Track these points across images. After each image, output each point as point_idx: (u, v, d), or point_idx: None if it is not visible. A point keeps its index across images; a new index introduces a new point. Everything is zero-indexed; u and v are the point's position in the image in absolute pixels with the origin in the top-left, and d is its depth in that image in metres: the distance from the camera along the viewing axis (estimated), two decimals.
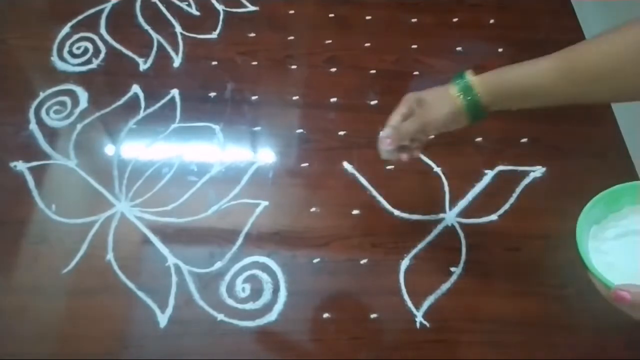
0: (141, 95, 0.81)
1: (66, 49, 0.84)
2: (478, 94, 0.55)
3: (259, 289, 0.67)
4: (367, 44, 0.89)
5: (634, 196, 0.47)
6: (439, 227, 0.73)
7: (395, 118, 0.58)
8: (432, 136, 0.63)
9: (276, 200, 0.74)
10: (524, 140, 0.81)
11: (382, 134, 0.57)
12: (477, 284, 0.70)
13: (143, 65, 0.84)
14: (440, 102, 0.58)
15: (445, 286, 0.69)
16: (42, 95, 0.79)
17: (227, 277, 0.68)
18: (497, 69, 0.56)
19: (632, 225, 0.46)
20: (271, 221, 0.72)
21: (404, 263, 0.70)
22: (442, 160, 0.79)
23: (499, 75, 0.55)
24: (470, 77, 0.56)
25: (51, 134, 0.76)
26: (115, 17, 0.88)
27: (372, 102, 0.83)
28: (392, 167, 0.77)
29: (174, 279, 0.67)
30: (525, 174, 0.78)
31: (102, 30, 0.86)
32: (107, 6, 0.89)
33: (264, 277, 0.68)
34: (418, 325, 0.67)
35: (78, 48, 0.84)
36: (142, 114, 0.79)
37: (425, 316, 0.67)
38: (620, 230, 0.47)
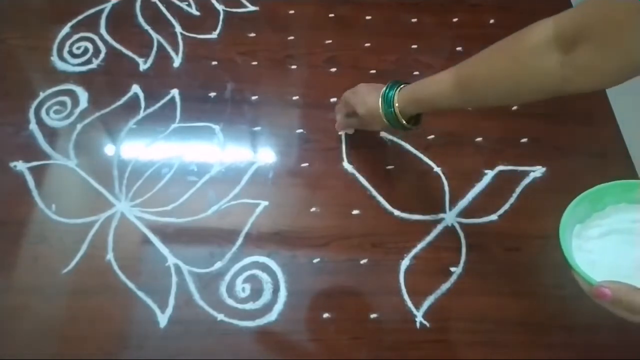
0: (141, 95, 0.81)
1: (66, 49, 0.84)
2: (395, 106, 0.64)
3: (259, 289, 0.67)
4: (367, 44, 0.89)
5: (617, 195, 0.47)
6: (439, 227, 0.73)
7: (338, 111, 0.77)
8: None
9: (276, 200, 0.74)
10: (524, 140, 0.81)
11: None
12: (477, 284, 0.70)
13: (143, 65, 0.84)
14: (370, 96, 0.68)
15: (445, 286, 0.69)
16: (42, 95, 0.79)
17: (227, 277, 0.68)
18: (415, 82, 0.64)
19: (615, 224, 0.47)
20: (271, 221, 0.72)
21: (404, 263, 0.70)
22: (442, 160, 0.79)
23: (413, 87, 0.64)
24: (396, 94, 0.64)
25: (51, 134, 0.76)
26: (115, 17, 0.88)
27: None
28: (392, 166, 0.77)
29: (174, 279, 0.67)
30: (525, 174, 0.78)
31: (102, 30, 0.86)
32: (107, 6, 0.89)
33: (264, 277, 0.68)
34: (418, 325, 0.67)
35: (78, 48, 0.84)
36: (142, 114, 0.79)
37: (425, 316, 0.67)
38: (604, 229, 0.47)
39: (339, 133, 0.79)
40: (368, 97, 0.68)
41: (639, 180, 0.47)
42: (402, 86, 0.65)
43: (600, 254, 0.46)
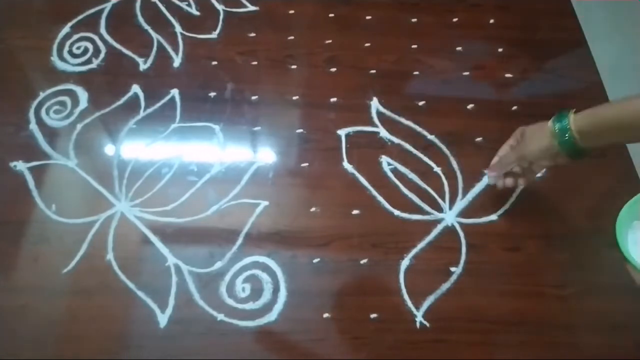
0: (141, 95, 0.81)
1: (66, 48, 0.84)
2: (573, 135, 0.59)
3: (259, 289, 0.67)
4: (367, 44, 0.89)
5: None
6: (439, 227, 0.73)
7: (503, 148, 0.70)
8: (541, 171, 0.70)
9: (276, 200, 0.74)
10: None
11: (491, 163, 0.71)
12: (477, 284, 0.70)
13: (143, 65, 0.84)
14: (538, 136, 0.63)
15: (445, 286, 0.69)
16: (42, 95, 0.79)
17: (227, 277, 0.68)
18: (593, 107, 0.60)
19: None
20: (271, 221, 0.72)
21: (404, 263, 0.70)
22: (442, 160, 0.79)
23: (594, 112, 0.58)
24: (571, 117, 0.60)
25: (51, 134, 0.76)
26: (115, 17, 0.88)
27: (372, 102, 0.83)
28: (392, 166, 0.77)
29: (174, 279, 0.67)
30: None
31: (102, 30, 0.86)
32: (107, 6, 0.89)
33: (264, 277, 0.68)
34: (418, 325, 0.67)
35: (78, 48, 0.84)
36: (142, 114, 0.79)
37: (425, 316, 0.67)
38: None
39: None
40: (537, 139, 0.63)
41: None
42: (573, 114, 0.60)
43: None
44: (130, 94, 0.81)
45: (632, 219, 0.49)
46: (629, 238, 0.49)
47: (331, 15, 0.92)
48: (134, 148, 0.76)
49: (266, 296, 0.67)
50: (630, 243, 0.48)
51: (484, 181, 0.77)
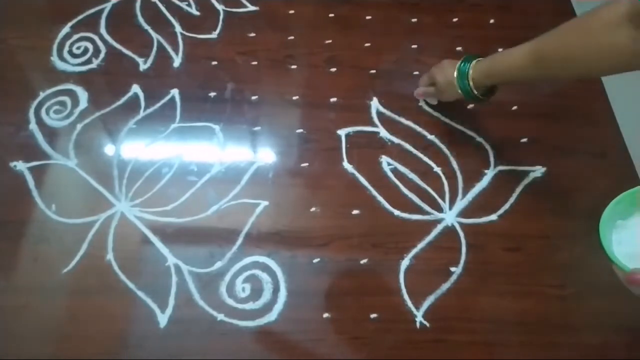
0: (141, 95, 0.81)
1: (66, 48, 0.84)
2: (470, 78, 0.70)
3: (259, 289, 0.67)
4: (367, 44, 0.89)
5: None
6: (439, 227, 0.73)
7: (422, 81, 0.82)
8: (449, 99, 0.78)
9: (276, 200, 0.74)
10: (524, 140, 0.81)
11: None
12: (477, 284, 0.70)
13: (143, 65, 0.83)
14: (447, 71, 0.74)
15: (445, 286, 0.69)
16: (42, 95, 0.79)
17: (227, 277, 0.68)
18: (491, 55, 0.70)
19: None
20: (271, 221, 0.72)
21: (404, 263, 0.70)
22: (442, 160, 0.79)
23: (488, 61, 0.69)
24: (471, 64, 0.70)
25: (51, 134, 0.76)
26: (115, 17, 0.88)
27: (372, 102, 0.83)
28: (392, 166, 0.77)
29: (174, 279, 0.67)
30: (525, 174, 0.78)
31: (102, 30, 0.86)
32: (107, 6, 0.88)
33: (264, 277, 0.68)
34: (418, 325, 0.67)
35: (78, 48, 0.84)
36: (142, 114, 0.79)
37: (425, 316, 0.67)
38: None
39: (418, 102, 0.83)
40: (447, 69, 0.73)
41: None
42: (478, 59, 0.70)
43: (639, 247, 0.47)
44: (130, 94, 0.81)
45: (615, 219, 0.49)
46: (613, 238, 0.49)
47: (331, 15, 0.92)
48: (134, 148, 0.76)
49: (266, 296, 0.67)
50: (615, 243, 0.48)
51: (484, 181, 0.77)
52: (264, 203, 0.73)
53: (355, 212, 0.74)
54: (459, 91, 0.72)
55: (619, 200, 0.49)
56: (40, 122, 0.77)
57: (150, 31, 0.87)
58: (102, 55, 0.84)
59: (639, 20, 0.50)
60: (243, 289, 0.67)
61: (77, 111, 0.78)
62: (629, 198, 0.49)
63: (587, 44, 0.55)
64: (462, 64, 0.71)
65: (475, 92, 0.71)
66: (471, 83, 0.70)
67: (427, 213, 0.74)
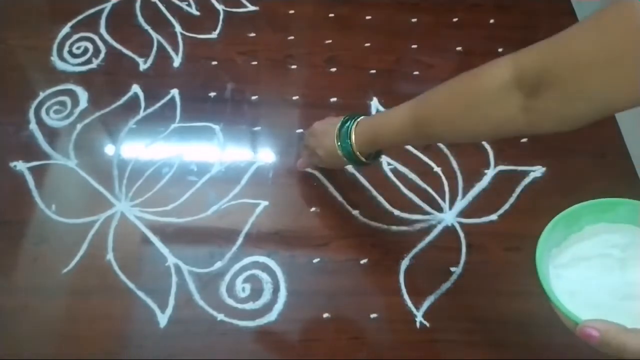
0: (141, 95, 0.81)
1: (66, 48, 0.84)
2: (354, 148, 0.61)
3: (259, 289, 0.67)
4: (367, 44, 0.89)
5: (595, 215, 0.44)
6: (439, 227, 0.73)
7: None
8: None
9: (276, 200, 0.74)
10: (524, 140, 0.81)
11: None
12: (477, 284, 0.70)
13: (143, 65, 0.84)
14: (327, 138, 0.65)
15: (445, 286, 0.69)
16: (42, 95, 0.79)
17: (227, 277, 0.68)
18: (371, 116, 0.63)
19: (594, 248, 0.43)
20: (271, 221, 0.72)
21: (404, 263, 0.70)
22: (442, 160, 0.79)
23: (369, 127, 0.61)
24: (354, 126, 0.61)
25: (51, 134, 0.76)
26: (115, 17, 0.88)
27: (372, 102, 0.83)
28: (392, 166, 0.77)
29: (174, 279, 0.67)
30: (525, 174, 0.78)
31: (102, 30, 0.86)
32: (107, 6, 0.89)
33: (264, 277, 0.68)
34: (418, 325, 0.67)
35: (78, 48, 0.84)
36: (142, 113, 0.79)
37: (425, 316, 0.67)
38: (583, 252, 0.43)
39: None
40: (325, 140, 0.65)
41: (617, 199, 0.44)
42: (357, 121, 0.62)
43: (579, 282, 0.42)
44: (130, 94, 0.81)
45: (550, 248, 0.44)
46: (550, 272, 0.42)
47: (331, 15, 0.92)
48: (134, 148, 0.76)
49: (266, 296, 0.67)
50: (553, 277, 0.42)
51: (484, 181, 0.77)
52: (264, 203, 0.73)
53: (355, 212, 0.74)
54: (346, 161, 0.64)
55: (553, 225, 0.43)
56: (40, 122, 0.77)
57: (150, 31, 0.87)
58: (102, 55, 0.84)
59: (527, 86, 0.44)
60: (243, 289, 0.67)
61: (77, 111, 0.78)
62: (563, 221, 0.43)
63: (472, 116, 0.49)
64: (343, 131, 0.62)
65: (363, 160, 0.63)
66: (357, 153, 0.62)
67: (427, 213, 0.74)
